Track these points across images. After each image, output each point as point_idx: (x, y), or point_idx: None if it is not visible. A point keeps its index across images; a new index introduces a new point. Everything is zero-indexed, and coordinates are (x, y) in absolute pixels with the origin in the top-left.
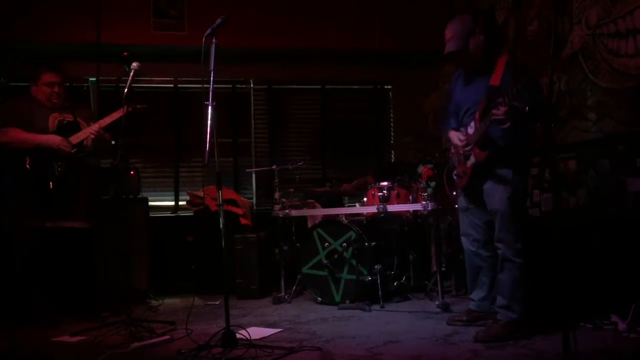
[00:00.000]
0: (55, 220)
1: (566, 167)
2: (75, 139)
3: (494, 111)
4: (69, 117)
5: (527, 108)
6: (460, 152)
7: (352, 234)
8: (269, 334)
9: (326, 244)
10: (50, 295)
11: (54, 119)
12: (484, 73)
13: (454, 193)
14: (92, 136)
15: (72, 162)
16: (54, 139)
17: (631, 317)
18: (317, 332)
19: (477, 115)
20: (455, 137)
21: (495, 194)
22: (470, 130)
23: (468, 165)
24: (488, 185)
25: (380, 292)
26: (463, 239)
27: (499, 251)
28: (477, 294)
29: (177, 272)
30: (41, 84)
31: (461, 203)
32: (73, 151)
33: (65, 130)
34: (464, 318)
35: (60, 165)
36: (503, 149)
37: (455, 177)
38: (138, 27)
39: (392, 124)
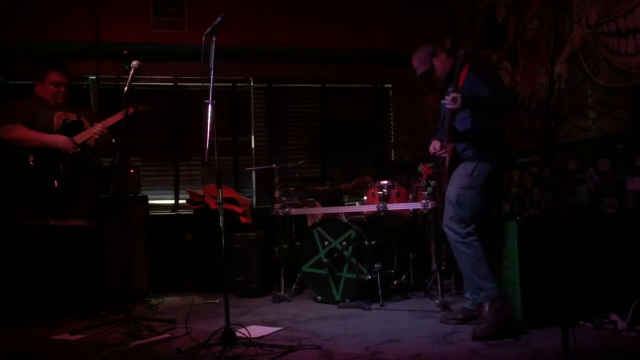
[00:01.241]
0: (59, 218)
1: (566, 165)
2: (79, 138)
3: (445, 98)
4: (73, 116)
5: (469, 94)
6: (437, 156)
7: (352, 233)
8: (268, 332)
9: (326, 242)
10: (50, 293)
11: (58, 118)
12: (452, 82)
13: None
14: (96, 136)
15: (76, 161)
16: (58, 140)
17: (631, 316)
18: (316, 331)
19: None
20: (431, 145)
21: (452, 182)
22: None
23: (446, 166)
24: (453, 175)
25: (380, 291)
26: None
27: (448, 237)
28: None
29: (176, 270)
30: (47, 82)
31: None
32: (78, 150)
33: (70, 129)
34: (459, 317)
35: (64, 164)
36: (471, 141)
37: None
38: (138, 25)
39: (392, 123)
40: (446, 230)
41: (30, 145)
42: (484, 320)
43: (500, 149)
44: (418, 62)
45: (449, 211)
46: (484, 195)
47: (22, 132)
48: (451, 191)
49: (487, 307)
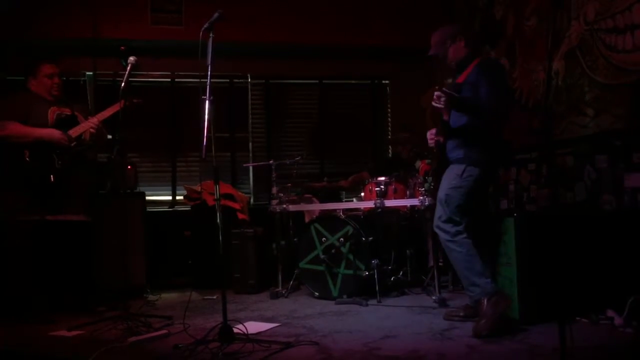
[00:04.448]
0: (56, 213)
1: (564, 162)
2: (74, 132)
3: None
4: (67, 111)
5: (459, 97)
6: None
7: (349, 229)
8: (266, 328)
9: (323, 238)
10: (47, 289)
11: (52, 113)
12: (461, 72)
13: None
14: (91, 130)
15: (71, 155)
16: (54, 133)
17: (627, 312)
18: (314, 327)
19: None
20: (428, 133)
21: (442, 183)
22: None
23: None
24: (444, 176)
25: (377, 287)
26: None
27: (440, 238)
28: None
29: (174, 266)
30: (41, 76)
31: None
32: (72, 145)
33: (64, 124)
34: (461, 314)
35: (59, 159)
36: (461, 141)
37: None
38: (135, 21)
39: (389, 119)
40: (437, 230)
41: (24, 141)
42: (482, 316)
43: (492, 151)
44: (434, 42)
45: (438, 211)
46: (472, 196)
47: (16, 129)
48: (441, 192)
49: (485, 303)
